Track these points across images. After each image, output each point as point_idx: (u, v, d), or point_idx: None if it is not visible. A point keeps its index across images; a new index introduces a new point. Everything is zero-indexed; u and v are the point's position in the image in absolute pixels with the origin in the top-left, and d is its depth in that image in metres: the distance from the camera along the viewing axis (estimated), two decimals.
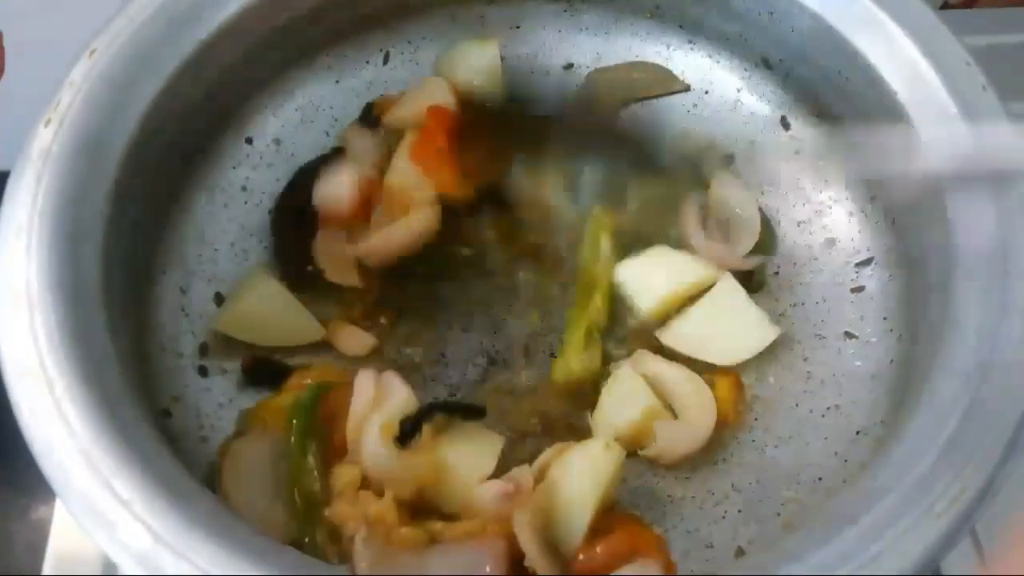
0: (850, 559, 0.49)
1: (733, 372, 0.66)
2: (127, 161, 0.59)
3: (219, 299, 0.68)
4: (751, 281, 0.70)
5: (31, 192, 0.55)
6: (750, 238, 0.71)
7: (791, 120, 0.75)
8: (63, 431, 0.48)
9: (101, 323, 0.54)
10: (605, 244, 0.70)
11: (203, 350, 0.66)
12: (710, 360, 0.67)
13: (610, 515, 0.59)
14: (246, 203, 0.71)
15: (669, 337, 0.68)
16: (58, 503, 0.71)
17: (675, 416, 0.65)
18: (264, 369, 0.65)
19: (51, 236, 0.54)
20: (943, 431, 0.53)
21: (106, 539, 0.46)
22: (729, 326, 0.67)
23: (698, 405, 0.64)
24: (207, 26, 0.64)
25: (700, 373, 0.66)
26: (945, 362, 0.56)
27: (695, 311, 0.68)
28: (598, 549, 0.56)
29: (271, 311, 0.66)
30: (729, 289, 0.68)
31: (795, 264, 0.71)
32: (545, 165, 0.73)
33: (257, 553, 0.47)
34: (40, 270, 0.53)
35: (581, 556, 0.56)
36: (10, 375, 0.50)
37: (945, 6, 0.96)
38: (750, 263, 0.70)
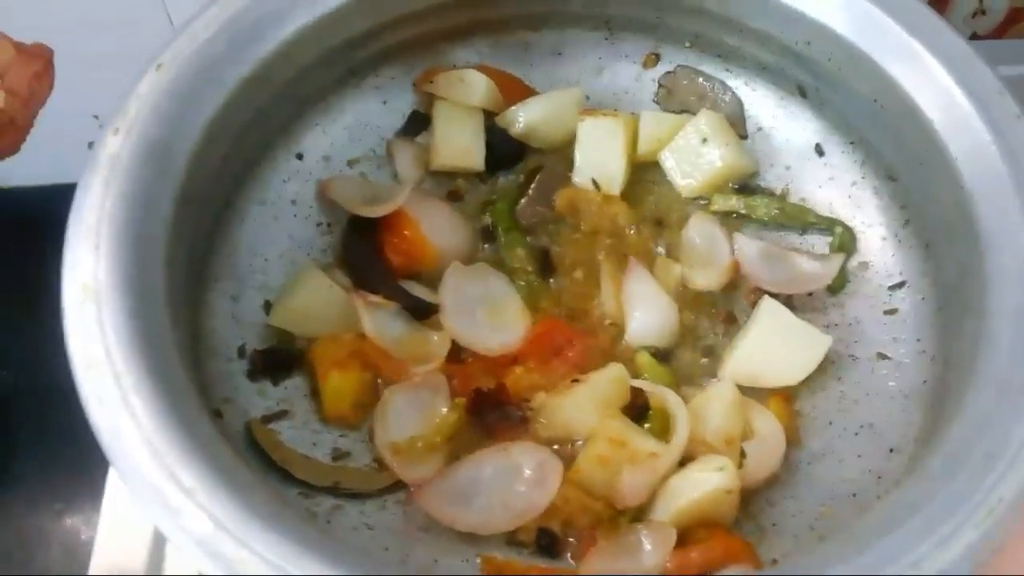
0: (888, 565, 0.50)
1: (783, 392, 0.67)
2: (189, 169, 0.62)
3: (268, 307, 0.69)
4: (837, 279, 0.72)
5: (100, 195, 0.58)
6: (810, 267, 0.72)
7: (825, 147, 0.76)
8: (129, 422, 0.50)
9: (164, 322, 0.56)
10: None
11: (252, 356, 0.67)
12: (774, 385, 0.67)
13: (705, 526, 0.60)
14: (295, 216, 0.74)
15: (726, 375, 0.68)
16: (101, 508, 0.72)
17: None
18: (271, 358, 0.67)
19: (118, 237, 0.56)
20: (977, 448, 0.54)
21: (169, 524, 0.48)
22: (783, 347, 0.67)
23: (770, 430, 0.65)
24: (266, 45, 0.67)
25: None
26: (979, 381, 0.57)
27: (745, 342, 0.68)
28: (693, 555, 0.58)
29: (322, 303, 0.68)
30: (772, 310, 0.68)
31: (829, 286, 0.73)
32: None
33: (313, 544, 0.49)
34: (108, 268, 0.55)
35: (674, 562, 0.57)
36: (78, 366, 0.52)
37: (974, 37, 0.98)
38: (834, 266, 0.71)
